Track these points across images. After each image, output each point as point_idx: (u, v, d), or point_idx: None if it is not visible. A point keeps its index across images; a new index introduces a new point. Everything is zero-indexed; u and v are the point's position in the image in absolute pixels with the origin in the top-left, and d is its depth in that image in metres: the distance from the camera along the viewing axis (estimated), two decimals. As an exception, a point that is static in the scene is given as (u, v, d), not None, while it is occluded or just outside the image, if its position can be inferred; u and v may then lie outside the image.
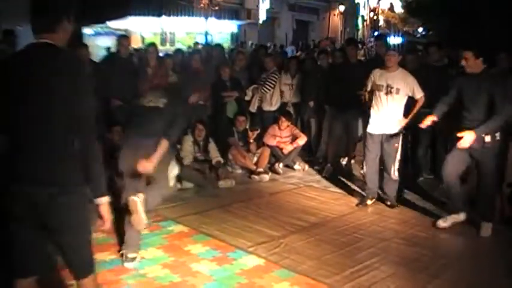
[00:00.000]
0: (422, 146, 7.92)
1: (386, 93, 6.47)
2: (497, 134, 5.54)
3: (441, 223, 5.93)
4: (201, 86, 8.51)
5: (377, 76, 6.61)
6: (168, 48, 20.43)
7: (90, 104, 2.85)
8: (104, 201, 2.96)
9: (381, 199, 6.88)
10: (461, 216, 5.88)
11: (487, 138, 5.49)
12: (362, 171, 7.45)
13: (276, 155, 8.54)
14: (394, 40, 27.65)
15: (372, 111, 6.64)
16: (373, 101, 6.63)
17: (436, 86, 6.78)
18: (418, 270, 4.93)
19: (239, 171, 8.36)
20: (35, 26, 2.84)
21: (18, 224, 2.83)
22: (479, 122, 5.47)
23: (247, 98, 9.32)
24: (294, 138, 8.63)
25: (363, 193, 7.01)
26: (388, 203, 6.72)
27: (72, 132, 2.78)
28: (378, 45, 8.97)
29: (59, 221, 2.82)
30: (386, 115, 6.52)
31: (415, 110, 6.52)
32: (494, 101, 5.39)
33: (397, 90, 6.44)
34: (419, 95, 6.50)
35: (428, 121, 5.92)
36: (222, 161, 7.99)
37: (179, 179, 7.39)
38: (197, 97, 8.23)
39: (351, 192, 7.40)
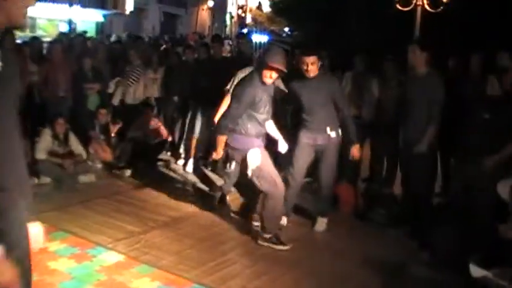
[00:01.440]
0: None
1: None
2: (340, 131, 5.89)
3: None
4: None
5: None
6: (28, 35, 19.42)
7: None
8: None
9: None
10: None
11: (333, 134, 5.81)
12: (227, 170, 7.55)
13: (138, 150, 8.42)
14: (260, 38, 28.33)
15: None
16: None
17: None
18: (276, 262, 5.12)
19: (100, 165, 8.15)
20: None
21: None
22: (321, 122, 5.79)
23: (110, 90, 9.12)
24: (157, 132, 8.58)
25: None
26: None
27: None
28: (242, 43, 9.15)
29: None
30: None
31: None
32: (335, 100, 5.78)
33: None
34: None
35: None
36: (84, 155, 7.78)
37: (36, 173, 7.12)
38: None
39: (211, 188, 7.48)
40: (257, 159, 5.39)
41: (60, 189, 7.10)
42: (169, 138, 8.88)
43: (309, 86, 5.78)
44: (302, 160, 5.95)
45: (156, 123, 8.65)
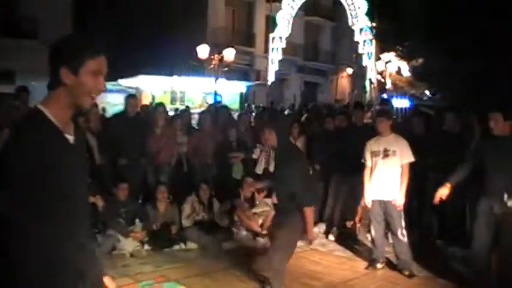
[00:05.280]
0: (428, 210, 7.88)
1: (384, 157, 6.55)
2: None
3: None
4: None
5: (372, 144, 6.70)
6: (178, 106, 20.66)
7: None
8: None
9: (394, 266, 6.76)
10: None
11: (510, 203, 5.30)
12: (368, 236, 7.40)
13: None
14: (401, 103, 27.85)
15: (371, 178, 6.66)
16: (372, 169, 6.68)
17: (450, 151, 6.87)
18: None
19: (244, 233, 8.29)
20: None
21: None
22: (506, 186, 5.31)
23: (254, 156, 9.34)
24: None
25: (371, 257, 6.90)
26: (406, 272, 6.51)
27: None
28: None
29: None
30: (386, 179, 6.55)
31: (403, 179, 6.54)
32: None
33: (394, 153, 6.55)
34: (406, 160, 6.55)
35: (442, 194, 5.80)
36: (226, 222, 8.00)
37: (183, 239, 7.42)
38: None
39: (356, 256, 7.32)
40: None
41: (205, 255, 7.30)
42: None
43: (497, 147, 5.50)
44: (482, 229, 5.55)
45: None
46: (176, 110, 12.82)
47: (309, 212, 5.14)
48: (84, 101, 2.29)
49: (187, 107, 16.63)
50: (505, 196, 5.31)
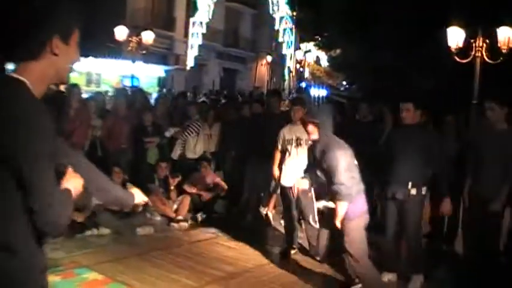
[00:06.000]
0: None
1: (296, 146, 6.66)
2: (424, 189, 5.69)
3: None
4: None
5: (286, 132, 6.79)
6: (94, 89, 20.15)
7: None
8: None
9: (306, 252, 6.87)
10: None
11: (413, 191, 5.60)
12: (282, 222, 7.51)
13: (196, 203, 8.48)
14: (318, 92, 28.45)
15: (284, 165, 6.77)
16: (285, 156, 6.77)
17: (363, 140, 7.08)
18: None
19: (158, 218, 8.21)
20: None
21: None
22: (410, 174, 5.58)
23: (167, 134, 9.28)
24: (215, 186, 8.64)
25: (284, 242, 7.02)
26: (318, 258, 6.62)
27: None
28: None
29: None
30: (298, 167, 6.63)
31: None
32: (424, 152, 5.59)
33: (306, 141, 6.53)
34: None
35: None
36: (141, 207, 7.87)
37: (95, 224, 7.25)
38: None
39: (270, 242, 7.42)
40: None
41: (118, 240, 7.18)
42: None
43: (402, 135, 5.76)
44: (388, 215, 5.85)
45: (214, 177, 8.72)
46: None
47: (340, 208, 5.16)
48: (66, 73, 2.14)
49: (99, 92, 16.30)
50: (409, 184, 5.59)
